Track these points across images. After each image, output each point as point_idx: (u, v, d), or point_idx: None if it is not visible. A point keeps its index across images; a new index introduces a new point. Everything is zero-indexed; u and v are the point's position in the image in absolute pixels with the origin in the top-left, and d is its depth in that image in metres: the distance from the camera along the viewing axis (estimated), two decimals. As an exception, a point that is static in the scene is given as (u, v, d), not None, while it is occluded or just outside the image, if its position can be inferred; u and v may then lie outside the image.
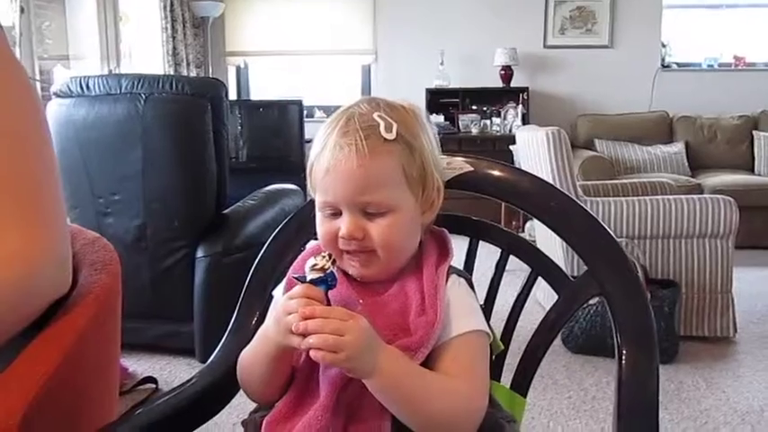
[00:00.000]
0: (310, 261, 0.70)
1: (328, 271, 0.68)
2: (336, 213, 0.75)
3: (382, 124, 0.73)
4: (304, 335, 0.65)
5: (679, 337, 2.60)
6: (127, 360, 2.45)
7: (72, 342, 0.76)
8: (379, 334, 0.69)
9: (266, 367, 0.75)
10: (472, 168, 0.89)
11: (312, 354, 0.65)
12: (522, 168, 1.01)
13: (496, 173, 0.89)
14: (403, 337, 0.72)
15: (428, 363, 0.72)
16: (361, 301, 0.75)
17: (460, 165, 0.89)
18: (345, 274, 0.77)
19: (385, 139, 0.73)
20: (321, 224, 0.77)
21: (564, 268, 0.87)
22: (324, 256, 0.70)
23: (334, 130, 0.75)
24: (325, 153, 0.74)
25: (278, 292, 0.82)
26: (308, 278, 0.68)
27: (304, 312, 0.65)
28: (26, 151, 0.77)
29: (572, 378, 2.41)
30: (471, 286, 0.80)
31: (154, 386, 2.28)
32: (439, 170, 0.79)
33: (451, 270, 0.78)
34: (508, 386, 0.88)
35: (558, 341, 2.67)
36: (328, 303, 0.68)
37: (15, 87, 0.79)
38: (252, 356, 0.78)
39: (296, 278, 0.70)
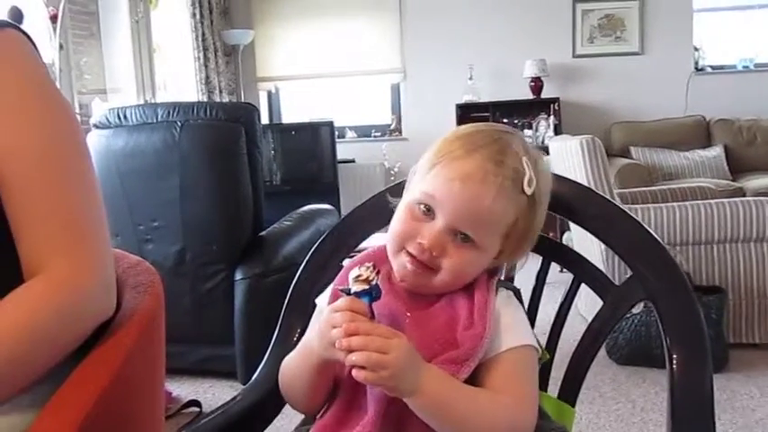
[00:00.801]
0: (354, 271, 0.69)
1: (373, 283, 0.67)
2: (428, 215, 0.73)
3: (527, 178, 0.72)
4: (347, 351, 0.64)
5: (728, 345, 2.52)
6: (170, 384, 2.48)
7: (119, 363, 0.77)
8: (426, 347, 0.69)
9: (308, 378, 0.75)
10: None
11: (354, 373, 0.64)
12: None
13: (534, 180, 0.87)
14: (450, 350, 0.71)
15: (476, 377, 0.71)
16: (408, 314, 0.74)
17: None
18: (392, 285, 0.76)
19: (522, 190, 0.72)
20: (403, 220, 0.75)
21: (606, 276, 0.85)
22: (368, 267, 0.69)
23: (484, 146, 0.72)
24: (468, 161, 0.71)
25: (322, 300, 0.81)
26: (353, 290, 0.68)
27: (348, 328, 0.64)
28: (70, 178, 0.80)
29: (619, 390, 2.35)
30: (520, 299, 0.78)
31: (198, 410, 2.30)
32: (538, 233, 0.78)
33: (500, 283, 0.77)
34: (555, 397, 0.86)
35: (602, 353, 2.61)
36: (372, 315, 0.68)
37: (58, 117, 0.82)
38: (294, 367, 0.78)
39: (341, 290, 0.69)
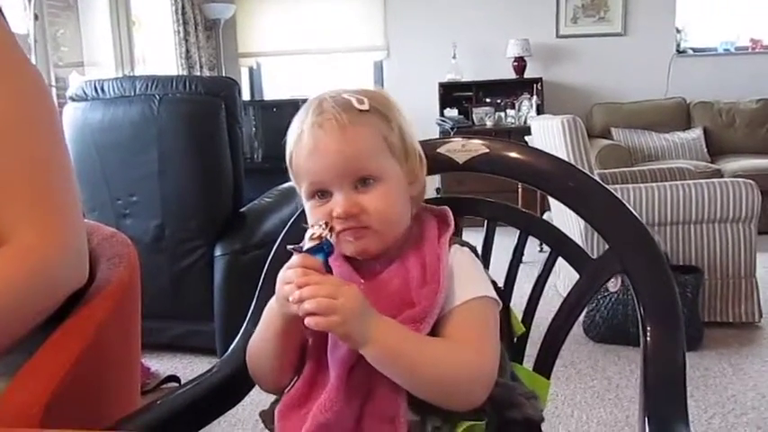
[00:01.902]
0: (309, 231, 0.70)
1: (324, 239, 0.69)
2: (326, 196, 0.74)
3: (354, 99, 0.74)
4: (300, 303, 0.65)
5: (703, 324, 2.57)
6: (149, 360, 2.47)
7: (92, 333, 0.77)
8: (383, 311, 0.69)
9: (274, 345, 0.75)
10: (488, 150, 0.88)
11: (307, 321, 0.65)
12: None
13: (513, 154, 0.87)
14: (407, 310, 0.71)
15: (435, 333, 0.71)
16: (362, 281, 0.75)
17: (476, 146, 0.88)
18: (345, 258, 0.76)
19: (360, 110, 0.73)
20: (312, 211, 0.76)
21: (584, 252, 0.85)
22: (320, 225, 0.70)
23: (307, 114, 0.75)
24: (303, 136, 0.74)
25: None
26: (305, 248, 0.69)
27: (300, 281, 0.66)
28: (40, 147, 0.78)
29: (595, 367, 2.38)
30: (477, 256, 0.79)
31: (177, 385, 2.30)
32: (416, 142, 0.80)
33: (454, 240, 0.77)
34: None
35: (579, 331, 2.65)
36: (329, 272, 0.69)
37: (28, 86, 0.80)
38: (259, 338, 0.77)
39: (293, 248, 0.70)
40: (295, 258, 0.69)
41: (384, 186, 0.74)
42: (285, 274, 0.69)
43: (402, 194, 0.76)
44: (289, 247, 0.70)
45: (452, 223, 0.79)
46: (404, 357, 0.68)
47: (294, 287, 0.66)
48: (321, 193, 0.75)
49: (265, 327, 0.76)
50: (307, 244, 0.69)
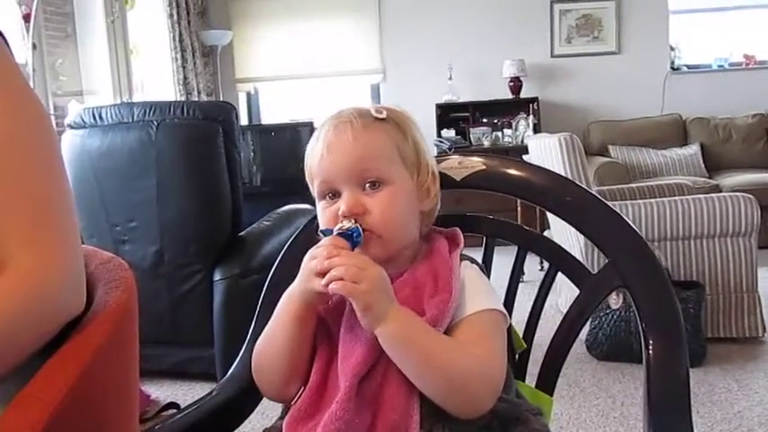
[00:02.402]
0: (338, 225, 0.73)
1: (354, 227, 0.71)
2: (335, 197, 0.76)
3: (373, 109, 0.77)
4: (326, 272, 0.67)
5: (706, 340, 2.55)
6: (148, 387, 2.45)
7: (89, 359, 0.75)
8: None
9: (285, 336, 0.75)
10: (485, 166, 0.88)
11: (332, 286, 0.66)
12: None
13: (510, 170, 0.88)
14: None
15: None
16: None
17: (473, 163, 0.88)
18: None
19: (376, 118, 0.76)
20: (322, 212, 0.78)
21: (583, 268, 0.85)
22: (351, 220, 0.73)
23: (326, 123, 0.78)
24: (319, 139, 0.77)
25: None
26: (335, 232, 0.71)
27: (331, 253, 0.68)
28: (38, 171, 0.78)
29: (599, 385, 2.36)
30: (484, 273, 0.80)
31: (177, 411, 2.27)
32: (432, 160, 0.82)
33: (463, 257, 0.78)
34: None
35: (582, 349, 2.63)
36: None
37: (28, 111, 0.80)
38: (270, 333, 0.77)
39: (322, 231, 0.73)
40: (324, 240, 0.71)
41: (391, 191, 0.75)
42: (314, 251, 0.70)
43: (409, 204, 0.77)
44: (320, 230, 0.73)
45: (462, 242, 0.80)
46: (419, 343, 0.69)
47: (322, 259, 0.68)
48: (332, 194, 0.76)
49: (276, 319, 0.76)
50: (336, 229, 0.72)
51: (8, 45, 0.84)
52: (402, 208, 0.76)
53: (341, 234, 0.71)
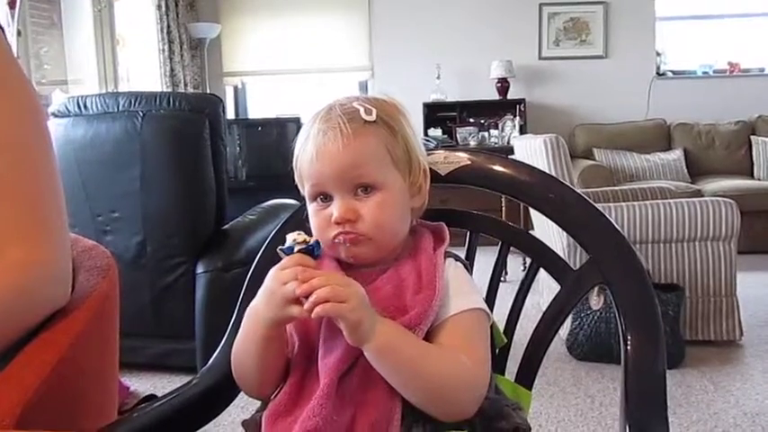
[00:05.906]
0: (290, 236, 0.70)
1: (312, 242, 0.69)
2: (327, 200, 0.76)
3: (362, 109, 0.75)
4: (306, 298, 0.65)
5: (685, 342, 2.58)
6: (128, 379, 2.43)
7: (68, 344, 0.75)
8: None
9: (259, 351, 0.74)
10: (470, 161, 0.88)
11: (317, 309, 0.64)
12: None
13: (495, 166, 0.88)
14: (400, 317, 0.71)
15: (427, 341, 0.72)
16: None
17: (458, 158, 0.89)
18: (338, 261, 0.77)
19: (366, 121, 0.75)
20: (314, 215, 0.77)
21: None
22: (300, 233, 0.71)
23: (315, 120, 0.77)
24: (309, 142, 0.76)
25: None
26: (296, 249, 0.69)
27: (304, 276, 0.65)
28: (28, 164, 0.78)
29: (578, 385, 2.38)
30: (468, 271, 0.80)
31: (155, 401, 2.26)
32: (423, 155, 0.81)
33: (448, 254, 0.78)
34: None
35: (563, 349, 2.65)
36: None
37: (18, 100, 0.80)
38: (243, 343, 0.76)
39: (282, 250, 0.70)
40: (289, 259, 0.69)
41: (383, 196, 0.75)
42: (280, 274, 0.68)
43: (401, 206, 0.77)
44: (279, 248, 0.70)
45: (447, 238, 0.80)
46: (406, 354, 0.68)
47: (297, 283, 0.65)
48: (323, 197, 0.76)
49: (250, 331, 0.75)
50: (296, 246, 0.69)
51: (4, 33, 0.83)
52: (394, 210, 0.76)
53: (302, 251, 0.68)
